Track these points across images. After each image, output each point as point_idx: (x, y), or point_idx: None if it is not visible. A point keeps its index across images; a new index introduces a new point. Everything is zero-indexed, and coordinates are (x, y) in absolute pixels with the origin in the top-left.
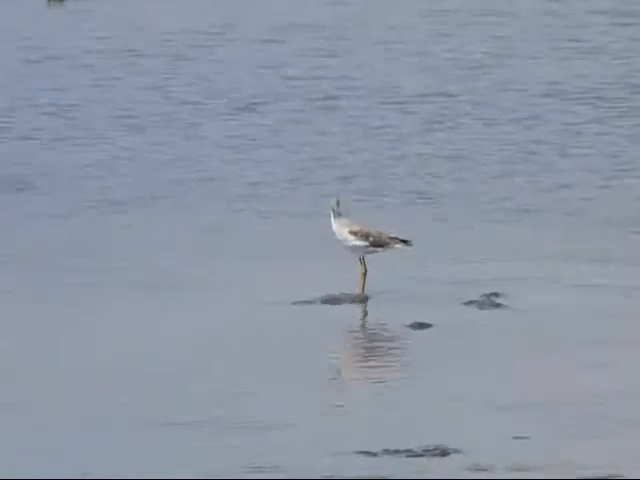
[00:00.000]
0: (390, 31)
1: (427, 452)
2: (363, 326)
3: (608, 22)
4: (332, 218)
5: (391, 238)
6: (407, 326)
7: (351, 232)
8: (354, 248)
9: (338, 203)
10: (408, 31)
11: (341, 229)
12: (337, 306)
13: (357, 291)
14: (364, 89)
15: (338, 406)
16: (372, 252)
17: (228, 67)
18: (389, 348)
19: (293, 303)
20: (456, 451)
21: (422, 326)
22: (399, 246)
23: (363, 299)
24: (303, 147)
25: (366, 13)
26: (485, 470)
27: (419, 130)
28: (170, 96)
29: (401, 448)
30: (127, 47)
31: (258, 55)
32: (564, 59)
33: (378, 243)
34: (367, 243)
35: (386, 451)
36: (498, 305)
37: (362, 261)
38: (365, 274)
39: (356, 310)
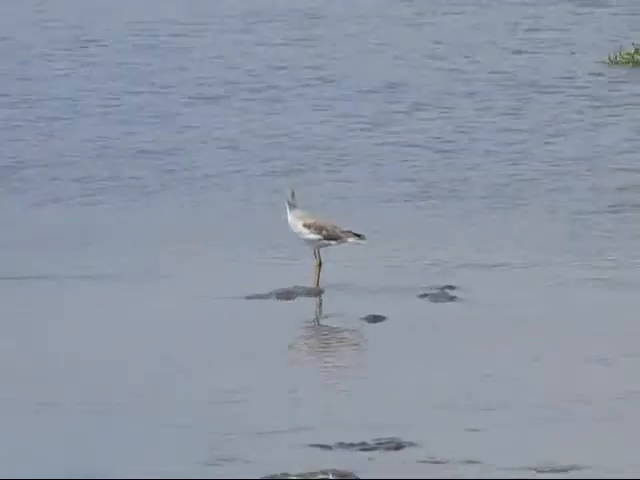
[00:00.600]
0: (361, 20)
1: (381, 445)
2: (317, 319)
3: (577, 11)
4: (287, 210)
5: (344, 232)
6: (362, 319)
7: (305, 225)
8: (308, 241)
9: (293, 194)
10: (378, 20)
11: (295, 221)
12: (291, 300)
13: (312, 284)
14: (337, 77)
15: (291, 400)
16: (325, 245)
17: (200, 56)
18: (343, 341)
19: (248, 297)
20: (411, 444)
21: (377, 319)
22: (352, 240)
23: (318, 292)
24: (272, 135)
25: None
26: (440, 464)
27: (387, 120)
28: (143, 85)
29: (355, 441)
30: (97, 37)
31: (230, 44)
32: (533, 52)
33: (331, 236)
34: (320, 236)
35: (340, 444)
36: (452, 298)
37: (317, 254)
38: (320, 266)
39: (310, 303)
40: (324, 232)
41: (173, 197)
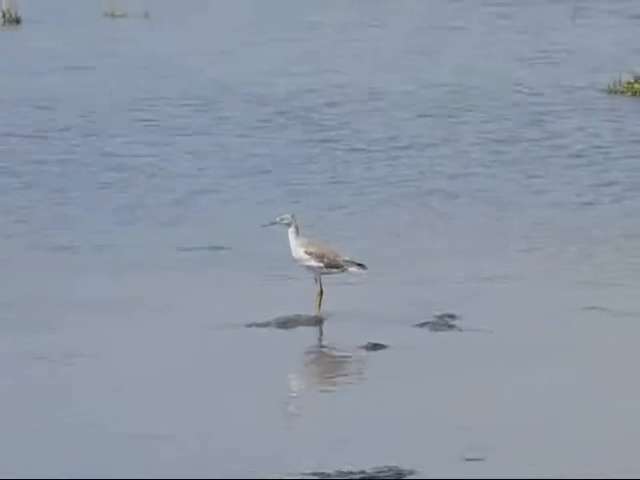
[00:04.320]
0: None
1: (381, 473)
2: (318, 347)
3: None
4: (290, 235)
5: (346, 261)
6: (361, 347)
7: (307, 252)
8: (309, 268)
9: (294, 219)
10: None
11: (297, 248)
12: (292, 328)
13: (313, 312)
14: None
15: (290, 427)
16: (326, 273)
17: None
18: (343, 369)
19: (248, 325)
20: (410, 472)
21: (376, 347)
22: (354, 269)
23: (319, 320)
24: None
25: None
26: None
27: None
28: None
29: (355, 470)
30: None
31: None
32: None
33: (333, 265)
34: (322, 264)
35: (340, 473)
36: (452, 327)
37: (318, 281)
38: (321, 295)
39: (311, 331)
40: (325, 260)
41: (161, 219)
